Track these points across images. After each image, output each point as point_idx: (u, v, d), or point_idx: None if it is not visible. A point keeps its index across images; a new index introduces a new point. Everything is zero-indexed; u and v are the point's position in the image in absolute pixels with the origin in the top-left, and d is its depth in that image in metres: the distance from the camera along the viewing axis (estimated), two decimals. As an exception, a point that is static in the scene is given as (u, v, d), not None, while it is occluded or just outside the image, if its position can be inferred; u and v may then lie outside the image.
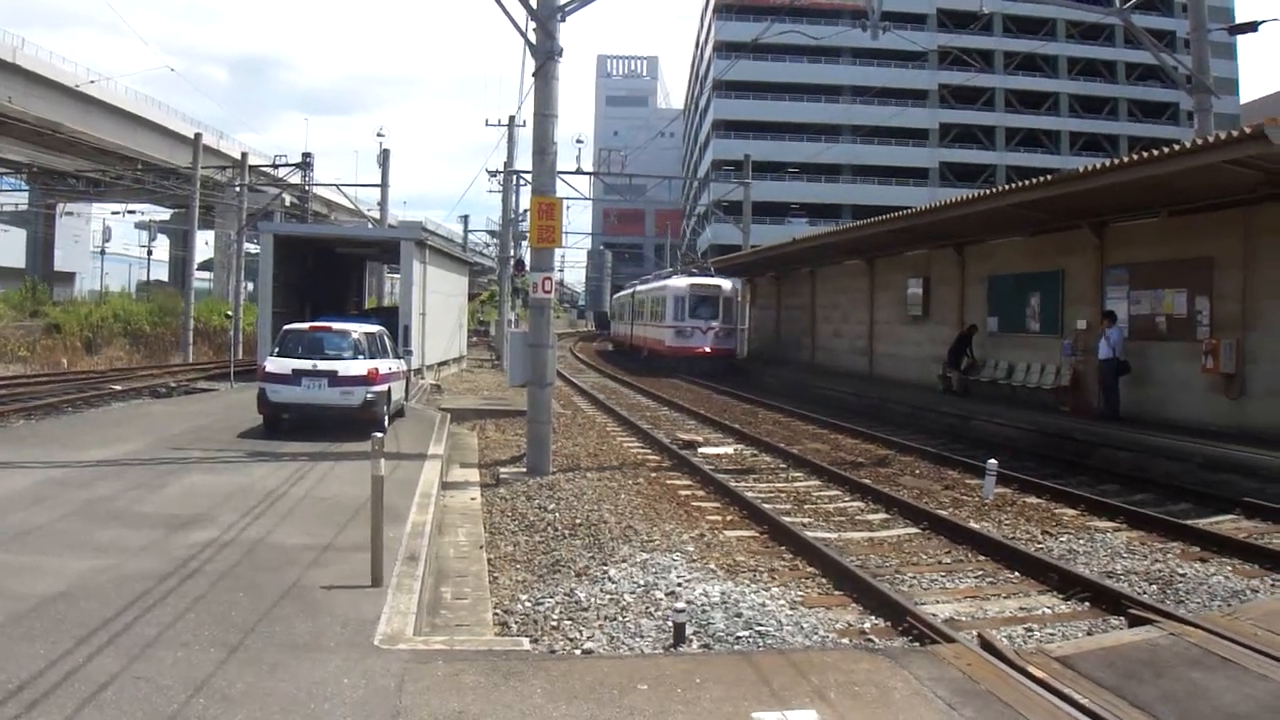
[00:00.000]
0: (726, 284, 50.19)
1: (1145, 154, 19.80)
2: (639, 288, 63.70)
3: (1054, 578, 11.24)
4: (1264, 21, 24.99)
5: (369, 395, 18.95)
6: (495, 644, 8.01)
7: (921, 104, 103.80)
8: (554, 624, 9.33)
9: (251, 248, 59.27)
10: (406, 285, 32.00)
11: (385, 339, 21.70)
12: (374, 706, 6.20)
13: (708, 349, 47.96)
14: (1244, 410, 20.67)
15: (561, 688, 6.68)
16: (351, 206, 64.85)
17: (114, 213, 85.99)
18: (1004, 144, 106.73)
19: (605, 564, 11.35)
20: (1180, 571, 11.80)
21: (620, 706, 6.42)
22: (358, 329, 20.63)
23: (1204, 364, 21.04)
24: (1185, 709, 6.91)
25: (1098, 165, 21.36)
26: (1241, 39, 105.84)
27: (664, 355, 49.73)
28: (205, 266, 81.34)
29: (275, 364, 19.05)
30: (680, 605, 9.20)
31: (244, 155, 54.69)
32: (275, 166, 54.61)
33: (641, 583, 10.56)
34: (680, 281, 50.73)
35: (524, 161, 48.33)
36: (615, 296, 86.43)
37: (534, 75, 18.57)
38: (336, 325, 21.07)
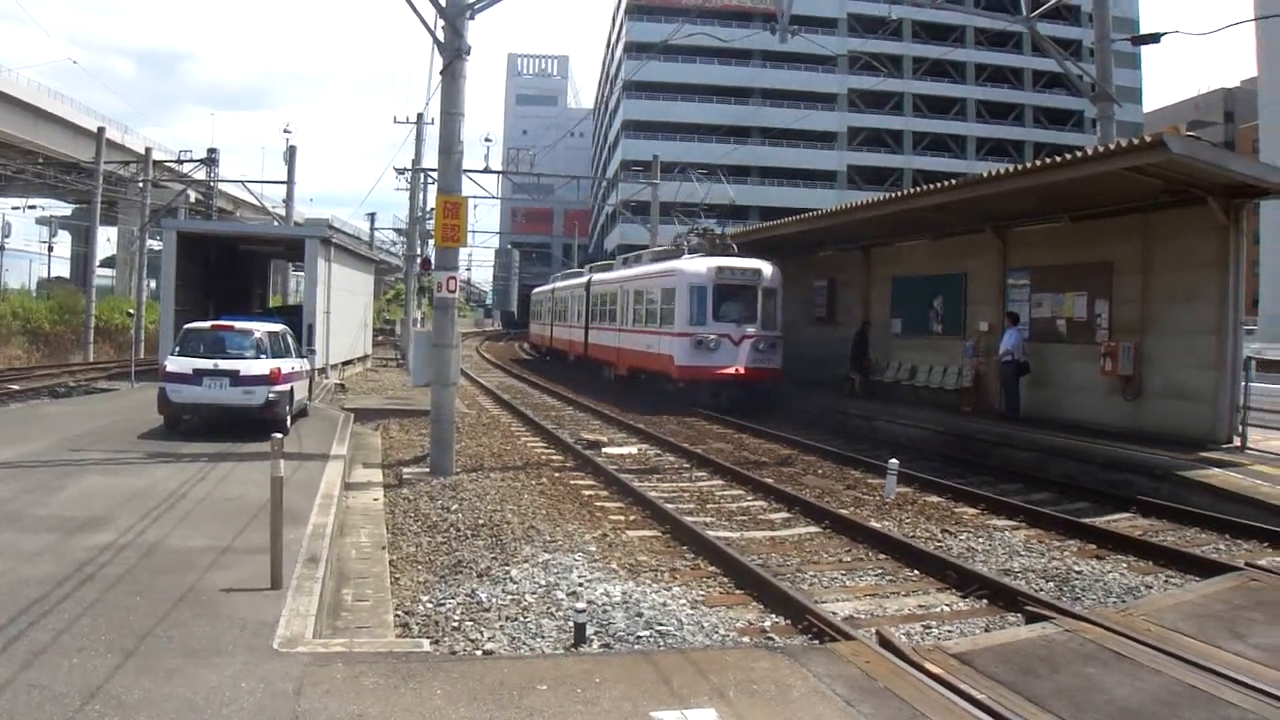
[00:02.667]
0: (766, 267, 31.23)
1: (1049, 160, 20.19)
2: (596, 277, 44.27)
3: (953, 576, 11.45)
4: (1166, 33, 25.50)
5: (271, 395, 18.80)
6: (395, 646, 8.01)
7: (830, 107, 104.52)
8: (455, 625, 9.35)
9: (155, 245, 58.35)
10: (311, 283, 31.72)
11: (288, 338, 21.53)
12: (272, 711, 6.19)
13: (742, 369, 30.08)
14: (1141, 411, 21.16)
15: (462, 689, 6.71)
16: (257, 204, 64.34)
17: (14, 208, 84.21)
18: (911, 148, 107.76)
19: (507, 564, 11.35)
20: (1077, 569, 12.09)
21: (520, 707, 6.46)
22: (260, 328, 20.43)
23: (1103, 366, 21.49)
24: (1079, 703, 7.10)
25: (1003, 170, 21.68)
26: (1146, 49, 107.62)
27: (669, 380, 31.53)
28: (108, 264, 79.88)
29: (176, 363, 18.81)
30: (581, 605, 9.25)
31: (148, 150, 53.74)
32: (180, 162, 53.74)
33: (543, 583, 10.58)
34: (697, 263, 31.52)
35: (432, 159, 45.61)
36: (537, 291, 68.02)
37: (441, 73, 18.47)
38: (238, 324, 20.85)
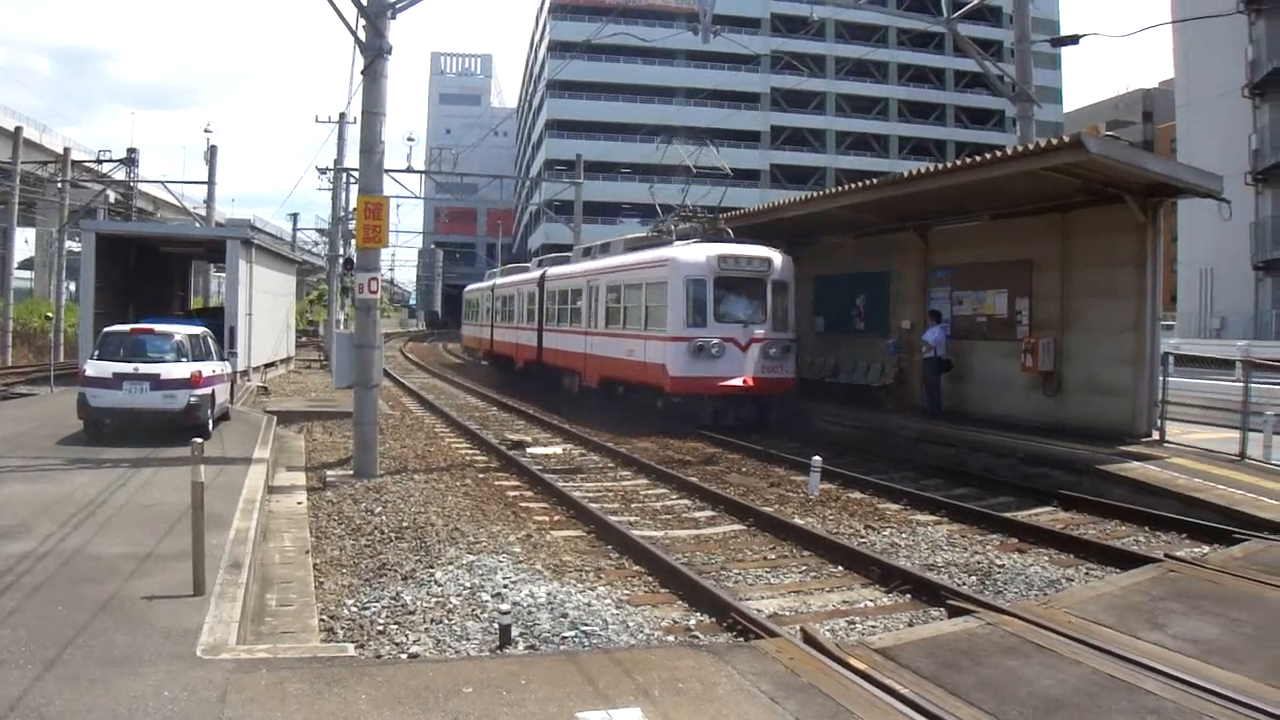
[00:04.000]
0: (776, 256, 26.34)
1: (970, 160, 20.45)
2: (552, 271, 38.15)
3: (876, 571, 11.55)
4: (1085, 35, 25.88)
5: (192, 399, 18.59)
6: (320, 651, 7.94)
7: (754, 107, 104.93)
8: (380, 628, 9.29)
9: (74, 246, 57.63)
10: (232, 285, 31.40)
11: (210, 341, 21.29)
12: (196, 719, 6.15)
13: (750, 380, 25.15)
14: (1062, 406, 21.44)
15: (386, 693, 6.69)
16: (178, 204, 63.66)
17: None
18: (834, 147, 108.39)
19: (432, 567, 11.30)
20: (999, 563, 12.23)
21: (445, 711, 6.45)
22: (181, 331, 20.21)
23: (1024, 362, 21.74)
24: (1002, 695, 7.18)
25: (925, 169, 21.83)
26: (1066, 50, 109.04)
27: (657, 393, 26.40)
28: (26, 265, 78.78)
29: (95, 367, 18.56)
30: (506, 607, 9.26)
31: (67, 150, 53.03)
32: (99, 162, 53.09)
33: (468, 585, 10.54)
34: (694, 251, 26.00)
35: (354, 159, 43.25)
36: (472, 289, 60.63)
37: (363, 73, 18.32)
38: (159, 327, 20.61)
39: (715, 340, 24.75)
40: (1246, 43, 51.88)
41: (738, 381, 24.97)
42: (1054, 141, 18.07)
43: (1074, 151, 17.37)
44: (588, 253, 35.86)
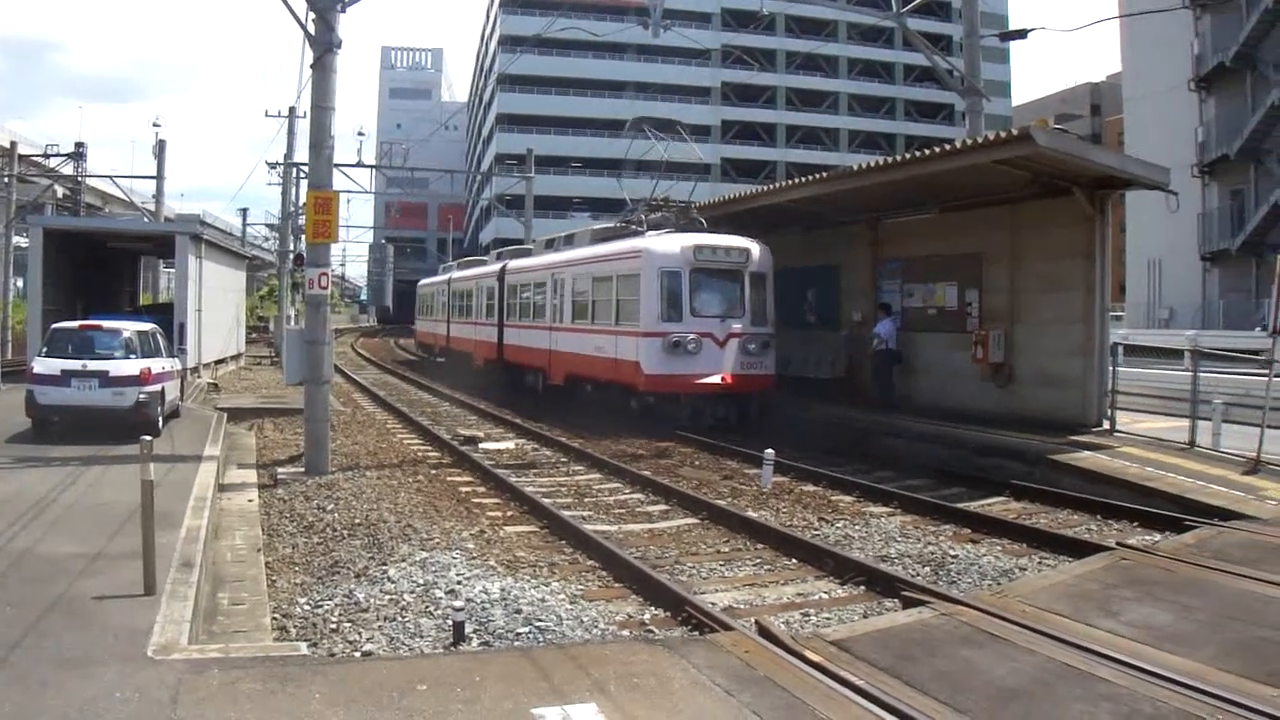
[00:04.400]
0: (755, 246, 25.01)
1: (920, 153, 20.43)
2: (514, 264, 36.37)
3: (830, 563, 11.59)
4: (1033, 29, 26.07)
5: (142, 396, 18.44)
6: (272, 650, 7.87)
7: (704, 101, 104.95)
8: (333, 626, 9.23)
9: (21, 242, 57.00)
10: (182, 281, 31.14)
11: (159, 337, 21.12)
12: None
13: (729, 377, 23.85)
14: (1013, 397, 21.55)
15: (340, 691, 6.63)
16: (127, 199, 63.02)
17: None
18: (785, 141, 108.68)
19: (385, 564, 11.25)
20: (952, 553, 12.30)
21: (399, 709, 6.40)
22: (130, 327, 20.04)
23: (974, 354, 21.85)
24: (957, 685, 7.19)
25: (874, 163, 22.00)
26: (1015, 45, 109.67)
27: (630, 392, 24.88)
28: (-31, 261, 78.01)
29: (43, 364, 18.36)
30: (459, 603, 9.25)
31: (13, 144, 52.25)
32: (46, 156, 52.45)
33: (421, 582, 10.50)
34: (667, 242, 24.84)
35: (304, 153, 43.88)
36: (426, 283, 59.24)
37: (312, 67, 18.17)
38: (107, 323, 20.42)
39: (692, 336, 23.42)
40: (1192, 37, 52.48)
41: (715, 379, 23.63)
42: (1003, 135, 18.16)
43: (1022, 144, 17.47)
44: (551, 244, 34.30)
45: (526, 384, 33.04)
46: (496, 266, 38.37)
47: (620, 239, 27.49)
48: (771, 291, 25.25)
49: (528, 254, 37.15)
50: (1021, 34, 27.23)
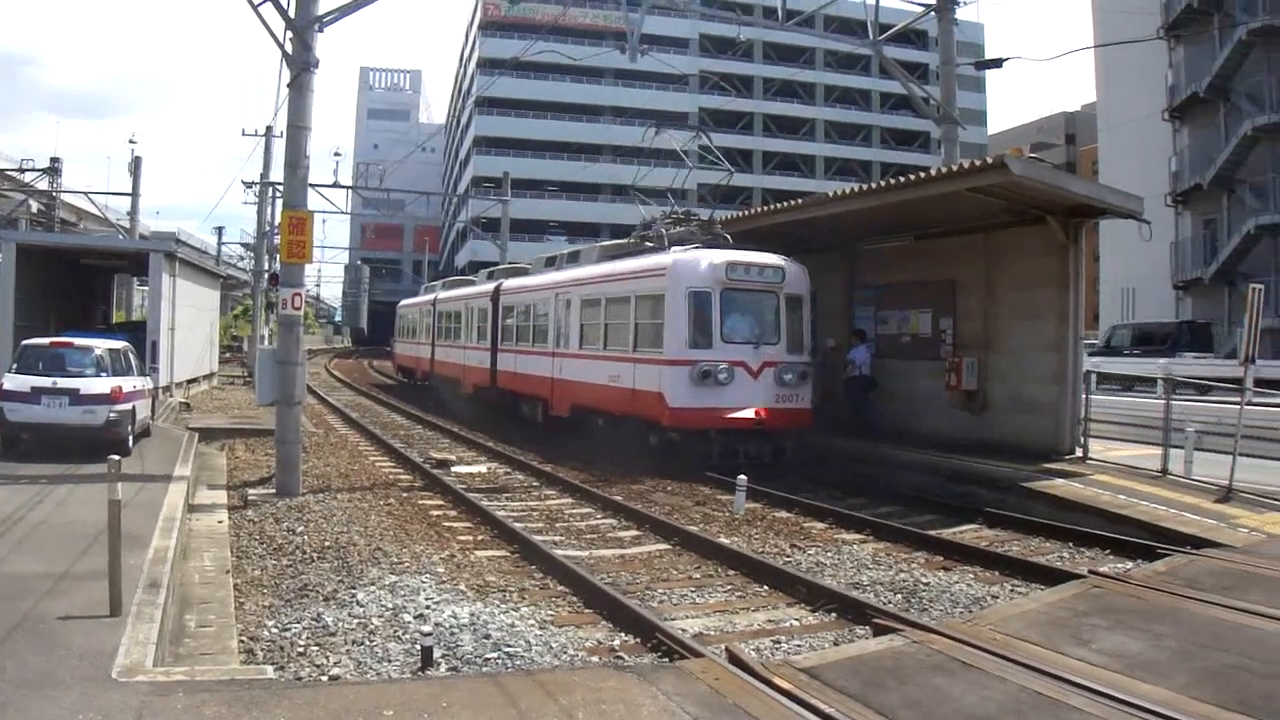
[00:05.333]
0: (791, 265, 22.43)
1: (895, 180, 20.59)
2: (509, 283, 33.96)
3: (802, 590, 11.54)
4: (1008, 59, 26.34)
5: (112, 414, 18.33)
6: (238, 673, 7.80)
7: (681, 126, 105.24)
8: (300, 650, 9.14)
9: (-6, 256, 56.74)
10: (155, 299, 30.98)
11: (131, 355, 20.99)
12: (109, 743, 6.03)
13: (763, 411, 21.25)
14: (987, 424, 21.60)
15: (305, 716, 6.58)
16: (101, 215, 62.84)
17: None
18: (761, 167, 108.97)
19: (354, 587, 11.17)
20: (924, 581, 12.28)
21: (365, 734, 6.34)
22: (101, 345, 19.95)
23: (948, 380, 21.86)
24: (928, 713, 7.18)
25: (850, 189, 21.91)
26: (991, 74, 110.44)
27: (652, 427, 21.89)
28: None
29: (13, 381, 18.24)
30: (428, 628, 9.18)
31: (-12, 158, 52.46)
32: (21, 171, 52.35)
33: (390, 605, 10.43)
34: (696, 258, 21.97)
35: (280, 173, 43.98)
36: (407, 304, 56.06)
37: (289, 86, 18.17)
38: (79, 341, 20.33)
39: (723, 364, 20.97)
40: (1166, 67, 52.87)
41: (748, 413, 21.08)
42: (978, 163, 18.28)
43: (997, 173, 17.52)
44: (552, 263, 31.42)
45: (523, 414, 30.51)
46: (490, 286, 35.80)
47: (637, 255, 24.77)
48: (808, 315, 22.93)
49: (524, 273, 34.52)
50: (997, 63, 27.47)
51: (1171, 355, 35.87)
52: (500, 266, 41.46)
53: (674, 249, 22.95)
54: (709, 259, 21.66)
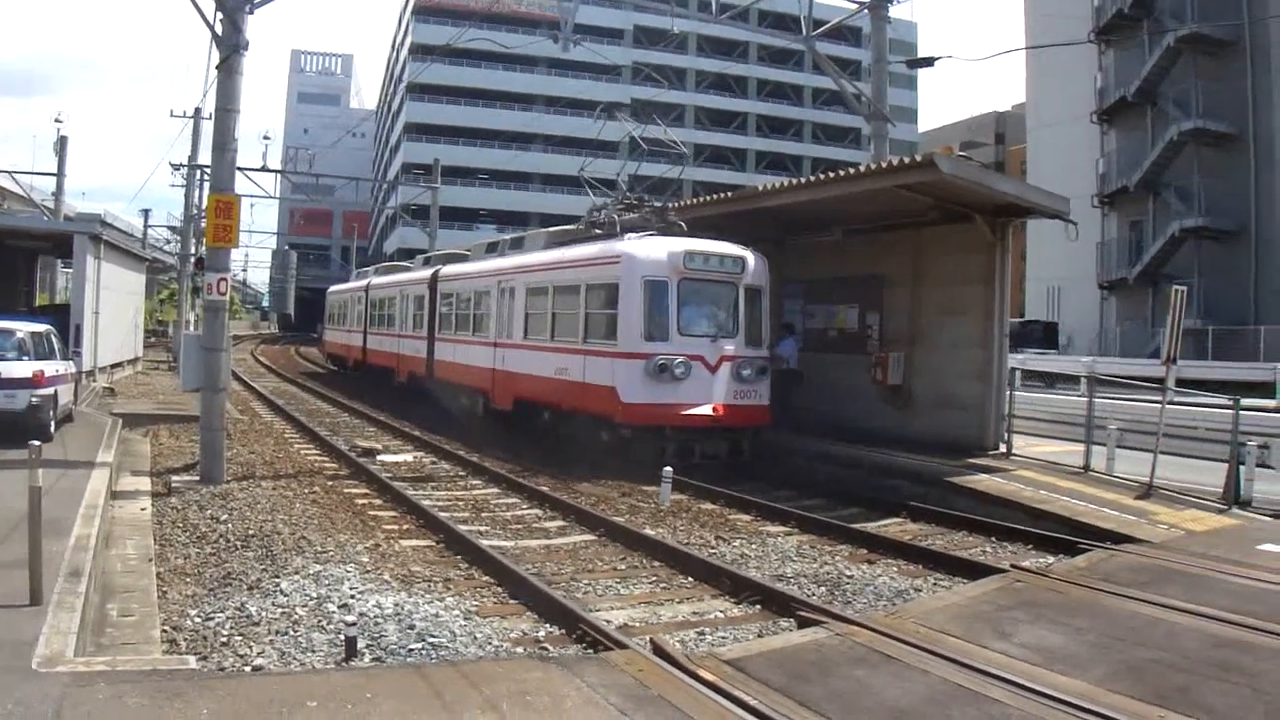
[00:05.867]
0: (750, 255, 21.38)
1: (825, 175, 20.60)
2: (448, 270, 32.79)
3: (726, 582, 11.57)
4: (940, 58, 26.48)
5: (34, 399, 18.00)
6: (160, 663, 7.72)
7: (614, 117, 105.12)
8: (224, 640, 9.07)
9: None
10: (79, 282, 30.67)
11: (53, 339, 20.66)
12: (29, 734, 5.96)
13: (720, 408, 20.38)
14: (912, 419, 21.78)
15: (228, 707, 6.53)
16: (25, 196, 61.93)
17: None
18: (693, 160, 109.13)
19: (278, 576, 11.09)
20: (848, 573, 12.38)
21: (288, 725, 6.31)
22: (23, 328, 19.59)
23: (874, 375, 22.03)
24: (850, 705, 7.23)
25: (781, 184, 21.99)
26: (923, 72, 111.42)
27: (604, 424, 20.72)
28: None
29: (-69, 365, 17.98)
30: (352, 618, 9.10)
31: (-96, 137, 51.45)
32: (-59, 149, 51.55)
33: (314, 595, 10.38)
34: (652, 246, 20.88)
35: (208, 155, 42.91)
36: (338, 290, 54.95)
37: (218, 68, 17.96)
38: (0, 323, 20.05)
39: (680, 358, 19.92)
40: (1096, 71, 53.65)
41: (705, 410, 20.19)
42: (907, 160, 18.36)
43: (926, 171, 17.68)
44: (493, 249, 30.29)
45: (461, 406, 29.22)
46: (427, 273, 34.57)
47: (589, 242, 23.35)
48: (768, 308, 22.04)
49: (464, 259, 33.38)
50: (929, 61, 27.66)
51: (1017, 351, 36.29)
52: (438, 252, 40.39)
53: (629, 236, 21.71)
54: (667, 247, 20.67)
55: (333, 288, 57.96)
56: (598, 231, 23.82)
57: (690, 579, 12.00)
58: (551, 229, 27.87)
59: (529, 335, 24.32)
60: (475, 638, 9.42)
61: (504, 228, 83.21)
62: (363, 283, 46.44)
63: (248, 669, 8.36)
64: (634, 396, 19.89)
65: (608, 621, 9.77)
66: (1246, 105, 46.78)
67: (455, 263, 33.40)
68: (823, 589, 11.61)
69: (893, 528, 15.56)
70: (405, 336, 36.47)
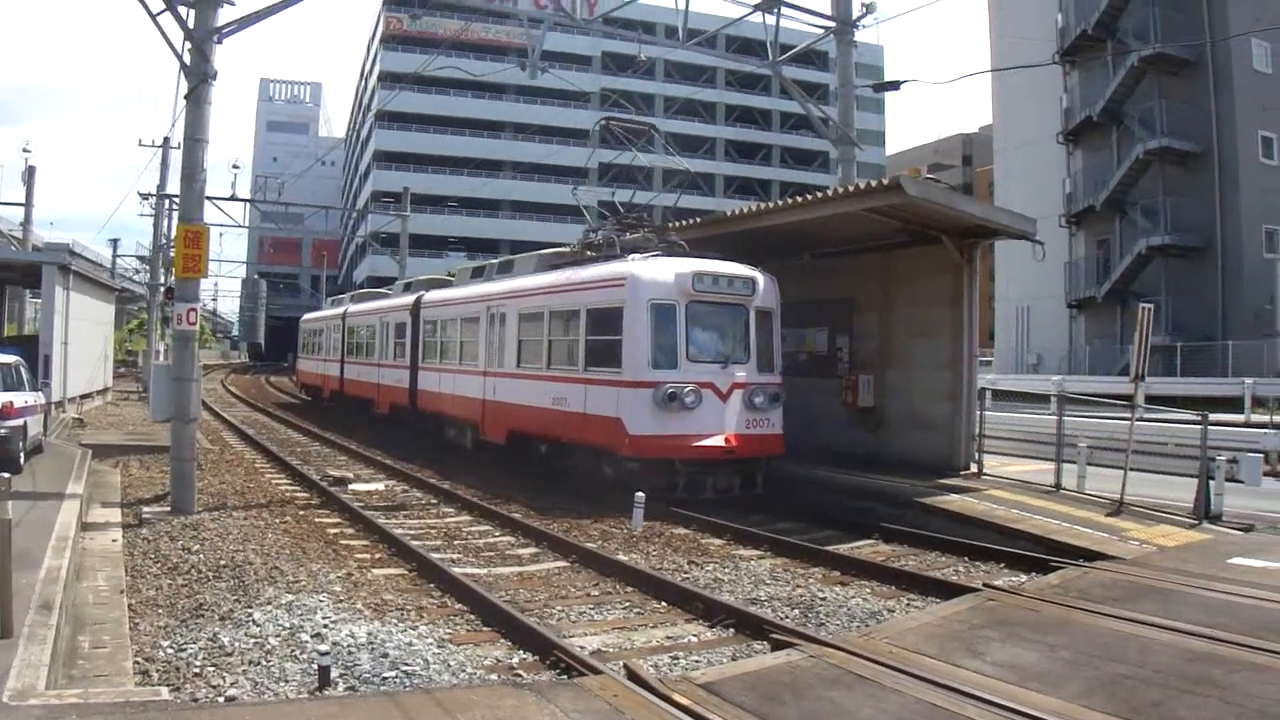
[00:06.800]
0: (760, 276, 20.40)
1: (794, 200, 20.63)
2: (431, 296, 31.79)
3: (700, 606, 11.58)
4: (906, 81, 26.60)
5: (2, 430, 17.88)
6: (133, 695, 7.68)
7: (582, 143, 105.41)
8: (196, 670, 9.00)
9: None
10: (48, 312, 30.54)
11: (22, 370, 20.57)
12: (-1, 767, 5.93)
13: (733, 438, 19.12)
14: (883, 441, 21.84)
15: (201, 737, 6.51)
16: (-8, 225, 61.76)
17: None
18: (661, 185, 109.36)
19: (250, 606, 11.03)
20: (821, 596, 12.39)
21: (261, 755, 6.29)
22: (-9, 359, 19.58)
23: (845, 398, 22.10)
24: (824, 727, 7.17)
25: (749, 208, 22.04)
26: (889, 95, 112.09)
27: (609, 457, 19.61)
28: None
29: (-101, 396, 17.88)
30: (325, 647, 9.10)
31: None
32: (-92, 179, 51.35)
33: (287, 625, 10.33)
34: (659, 268, 19.65)
35: (177, 185, 42.58)
36: (311, 318, 54.14)
37: (186, 98, 17.95)
38: (-33, 355, 19.95)
39: (690, 386, 18.78)
40: (1062, 92, 54.09)
41: (718, 440, 18.96)
42: (874, 184, 18.38)
43: (893, 194, 17.75)
44: (479, 274, 29.16)
45: (448, 439, 28.34)
46: (408, 299, 33.30)
47: (587, 265, 22.16)
48: (778, 332, 20.98)
49: (447, 284, 32.51)
50: (895, 85, 27.76)
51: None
52: (419, 278, 38.90)
53: (632, 257, 20.52)
54: (674, 268, 19.49)
55: (307, 315, 56.80)
56: (591, 254, 22.91)
57: (664, 604, 11.99)
58: (543, 251, 26.68)
59: (522, 363, 23.36)
60: (449, 665, 9.38)
61: (474, 255, 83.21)
62: (339, 310, 45.27)
63: (221, 699, 8.30)
64: (641, 428, 18.75)
65: (581, 647, 9.76)
66: (1210, 123, 47.24)
67: (438, 288, 32.39)
68: (796, 611, 11.61)
69: (866, 549, 15.58)
70: (386, 365, 35.36)
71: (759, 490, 19.65)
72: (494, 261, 29.24)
